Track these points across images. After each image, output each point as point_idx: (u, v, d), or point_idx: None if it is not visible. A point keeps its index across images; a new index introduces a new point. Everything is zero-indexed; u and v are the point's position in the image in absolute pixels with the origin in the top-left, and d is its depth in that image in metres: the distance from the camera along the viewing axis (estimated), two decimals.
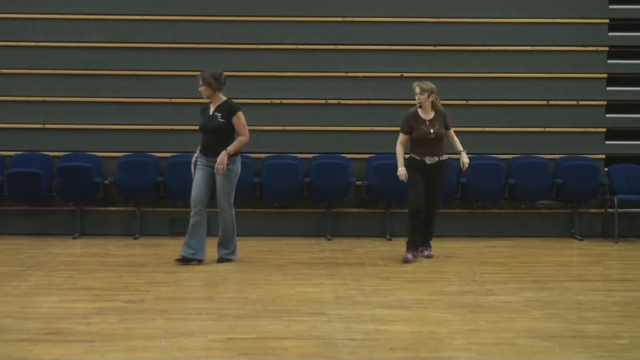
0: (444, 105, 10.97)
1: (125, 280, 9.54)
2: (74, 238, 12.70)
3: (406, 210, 13.12)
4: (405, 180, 10.82)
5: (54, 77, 13.30)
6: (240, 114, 10.48)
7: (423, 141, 10.77)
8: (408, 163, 10.88)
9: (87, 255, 11.34)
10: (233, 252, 10.73)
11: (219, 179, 10.42)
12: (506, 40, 13.54)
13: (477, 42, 13.52)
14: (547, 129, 13.51)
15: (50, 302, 8.39)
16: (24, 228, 12.99)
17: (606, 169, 13.38)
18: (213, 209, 10.68)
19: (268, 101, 13.39)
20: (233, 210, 10.62)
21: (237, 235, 10.70)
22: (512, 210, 13.34)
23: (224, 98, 10.56)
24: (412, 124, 10.82)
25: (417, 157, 10.82)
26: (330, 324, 7.56)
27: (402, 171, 10.80)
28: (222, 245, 10.67)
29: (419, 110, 10.88)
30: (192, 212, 10.44)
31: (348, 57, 13.46)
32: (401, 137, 10.93)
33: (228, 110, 10.46)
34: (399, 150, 10.91)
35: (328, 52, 13.47)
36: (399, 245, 12.34)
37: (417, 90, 10.86)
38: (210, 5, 13.43)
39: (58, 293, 8.83)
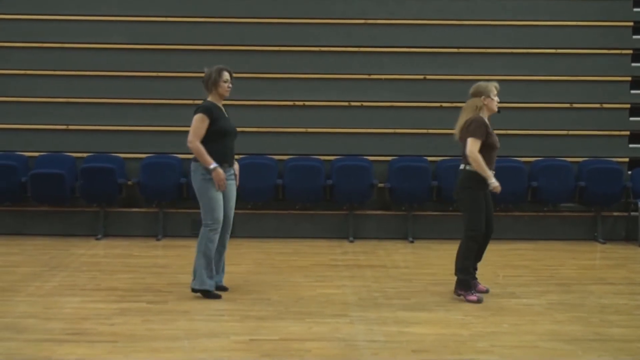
0: None
1: (148, 281, 9.57)
2: (97, 239, 12.75)
3: (429, 213, 13.15)
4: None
5: (78, 78, 13.36)
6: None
7: (493, 151, 9.00)
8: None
9: (110, 256, 11.38)
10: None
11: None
12: (529, 42, 13.51)
13: (500, 44, 13.50)
14: (571, 132, 13.47)
15: (73, 302, 8.42)
16: (47, 229, 13.05)
17: (630, 172, 13.33)
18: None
19: (291, 103, 13.41)
20: None
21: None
22: (535, 213, 13.30)
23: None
24: (487, 129, 8.96)
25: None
26: (352, 326, 7.56)
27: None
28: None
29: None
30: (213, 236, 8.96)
31: (370, 59, 13.46)
32: (478, 144, 8.86)
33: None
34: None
35: (350, 55, 13.48)
36: (421, 248, 12.34)
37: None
38: (233, 7, 13.46)
39: (81, 294, 8.86)
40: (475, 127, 8.84)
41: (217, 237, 8.86)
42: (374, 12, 13.49)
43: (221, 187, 8.87)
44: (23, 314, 7.89)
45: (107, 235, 12.99)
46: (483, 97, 9.01)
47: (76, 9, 13.39)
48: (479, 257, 9.16)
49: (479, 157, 8.77)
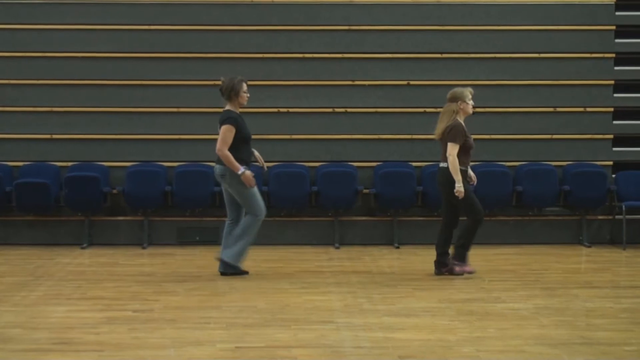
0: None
1: (134, 289, 9.55)
2: (83, 248, 12.72)
3: (414, 218, 13.15)
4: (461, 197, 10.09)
5: (62, 87, 13.33)
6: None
7: (470, 150, 10.25)
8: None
9: (95, 265, 11.36)
10: None
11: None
12: (513, 47, 13.54)
13: (484, 49, 13.53)
14: (554, 136, 13.50)
15: (59, 312, 8.40)
16: (32, 238, 13.01)
17: (614, 175, 13.37)
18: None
19: (275, 110, 13.40)
20: None
21: None
22: (520, 218, 13.33)
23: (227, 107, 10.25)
24: (465, 133, 10.14)
25: (464, 168, 10.19)
26: (338, 332, 7.56)
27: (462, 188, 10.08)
28: None
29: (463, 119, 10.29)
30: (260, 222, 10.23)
31: (354, 65, 13.47)
32: (457, 148, 10.07)
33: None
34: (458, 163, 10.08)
35: (334, 61, 13.48)
36: (407, 253, 12.36)
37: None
38: (217, 15, 13.45)
39: (67, 303, 8.84)
40: (455, 133, 10.07)
41: (260, 224, 10.18)
42: (358, 18, 13.50)
43: (252, 185, 10.06)
44: (8, 324, 7.86)
45: (92, 244, 12.96)
46: (459, 101, 10.22)
47: (59, 18, 13.35)
48: (450, 242, 10.44)
49: (456, 162, 10.03)
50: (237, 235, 10.16)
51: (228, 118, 10.03)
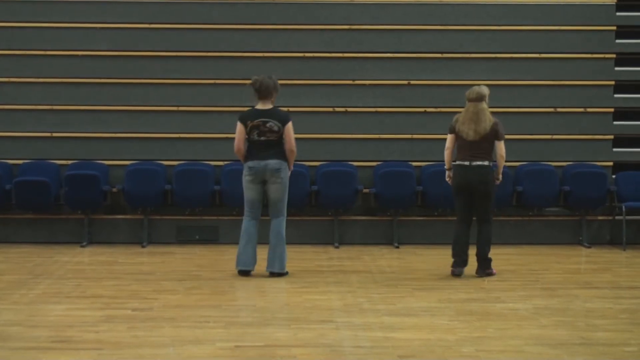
0: (451, 112, 10.94)
1: (134, 288, 9.55)
2: (82, 246, 12.71)
3: (414, 218, 13.16)
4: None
5: (61, 85, 13.31)
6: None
7: None
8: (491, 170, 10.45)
9: (95, 264, 11.35)
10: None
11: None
12: (513, 47, 13.53)
13: (484, 49, 13.51)
14: (555, 136, 13.49)
15: (58, 310, 8.40)
16: (32, 236, 13.00)
17: (614, 176, 13.36)
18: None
19: None
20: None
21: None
22: (520, 218, 13.32)
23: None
24: None
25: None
26: (338, 332, 7.56)
27: None
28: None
29: None
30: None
31: (355, 65, 13.46)
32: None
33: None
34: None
35: (335, 60, 13.47)
36: (407, 253, 12.34)
37: None
38: (217, 13, 13.44)
39: (66, 301, 8.84)
40: (503, 131, 10.36)
41: None
42: (358, 18, 13.49)
43: None
44: (7, 322, 7.86)
45: (91, 242, 12.95)
46: (487, 99, 10.34)
47: (59, 16, 13.34)
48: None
49: None
50: (278, 244, 10.30)
51: (287, 115, 10.25)
